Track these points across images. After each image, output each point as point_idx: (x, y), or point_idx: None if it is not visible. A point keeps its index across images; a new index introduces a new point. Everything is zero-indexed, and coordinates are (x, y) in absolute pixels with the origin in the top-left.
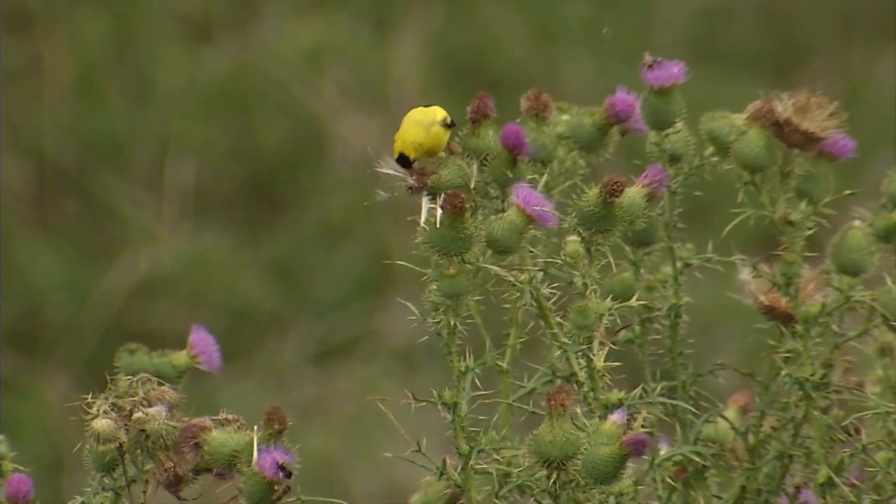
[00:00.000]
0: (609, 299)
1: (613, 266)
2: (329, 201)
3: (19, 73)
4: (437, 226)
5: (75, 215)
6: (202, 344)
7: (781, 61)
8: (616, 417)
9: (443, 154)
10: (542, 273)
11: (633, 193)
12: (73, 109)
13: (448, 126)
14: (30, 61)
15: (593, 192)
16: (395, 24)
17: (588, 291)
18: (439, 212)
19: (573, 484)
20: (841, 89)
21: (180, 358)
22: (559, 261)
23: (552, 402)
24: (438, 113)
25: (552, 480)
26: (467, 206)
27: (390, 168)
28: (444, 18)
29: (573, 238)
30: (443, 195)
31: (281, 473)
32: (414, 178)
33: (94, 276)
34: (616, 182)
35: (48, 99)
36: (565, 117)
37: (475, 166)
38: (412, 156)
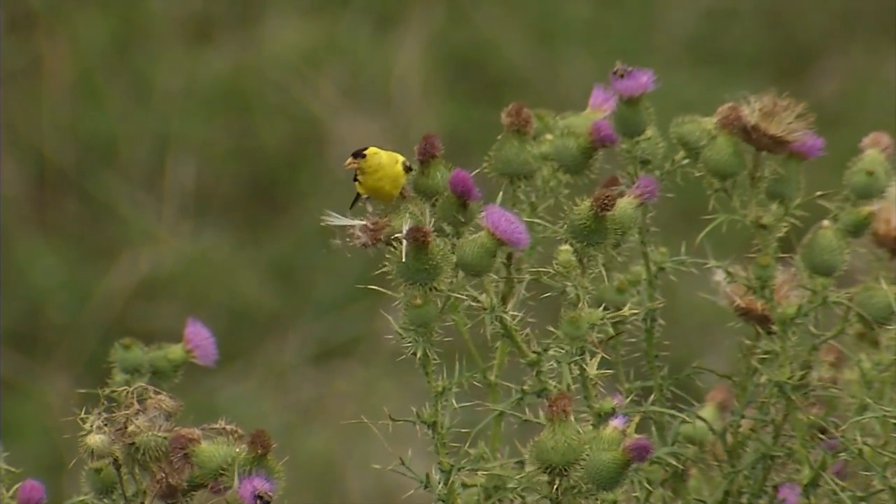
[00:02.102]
0: (601, 308)
1: (605, 278)
2: (329, 202)
3: (20, 73)
4: (403, 258)
5: (75, 216)
6: (197, 337)
7: (784, 62)
8: (617, 423)
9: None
10: (515, 288)
11: (625, 205)
12: (73, 110)
13: (407, 170)
14: (30, 61)
15: (585, 206)
16: (397, 25)
17: (581, 302)
18: (404, 244)
19: (575, 490)
20: (843, 89)
21: (176, 351)
22: (551, 270)
23: (554, 409)
24: (399, 157)
25: (554, 487)
26: (430, 239)
27: (340, 220)
28: (445, 19)
29: (565, 248)
30: (406, 229)
31: (259, 502)
32: (367, 233)
33: (95, 276)
34: (608, 196)
35: (48, 99)
36: (549, 136)
37: (427, 211)
38: (369, 151)
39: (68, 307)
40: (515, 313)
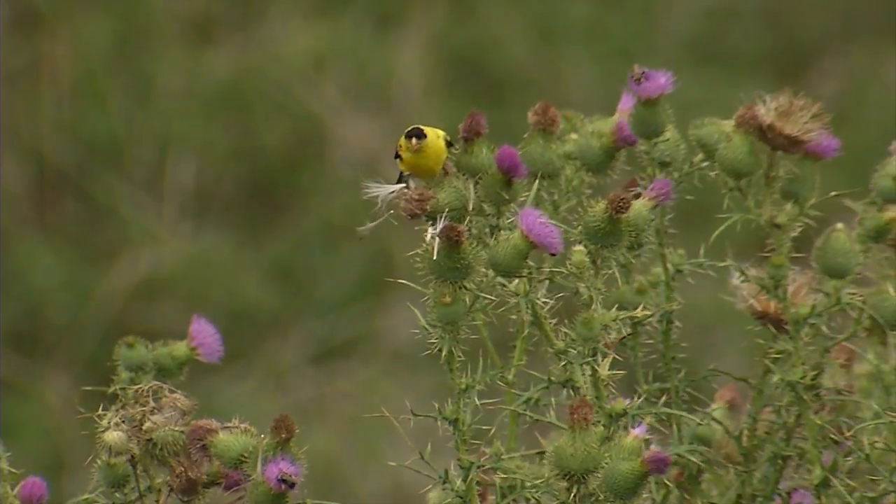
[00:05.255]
0: (615, 309)
1: (619, 280)
2: (330, 202)
3: (21, 73)
4: (434, 256)
5: (75, 216)
6: (202, 335)
7: (784, 62)
8: (638, 432)
9: (440, 174)
10: (539, 283)
11: (640, 206)
12: (73, 110)
13: (448, 144)
14: (31, 61)
15: (599, 208)
16: (398, 25)
17: (594, 303)
18: (437, 242)
19: (593, 498)
20: (843, 89)
21: (180, 349)
22: (565, 270)
23: (575, 416)
24: (440, 131)
25: (572, 494)
26: (464, 238)
27: (382, 189)
28: (446, 19)
29: (579, 248)
30: (440, 227)
31: (283, 485)
32: (413, 204)
33: (95, 276)
34: (623, 199)
35: (49, 99)
36: (574, 136)
37: (471, 187)
38: (426, 134)
39: (68, 307)
40: (546, 300)
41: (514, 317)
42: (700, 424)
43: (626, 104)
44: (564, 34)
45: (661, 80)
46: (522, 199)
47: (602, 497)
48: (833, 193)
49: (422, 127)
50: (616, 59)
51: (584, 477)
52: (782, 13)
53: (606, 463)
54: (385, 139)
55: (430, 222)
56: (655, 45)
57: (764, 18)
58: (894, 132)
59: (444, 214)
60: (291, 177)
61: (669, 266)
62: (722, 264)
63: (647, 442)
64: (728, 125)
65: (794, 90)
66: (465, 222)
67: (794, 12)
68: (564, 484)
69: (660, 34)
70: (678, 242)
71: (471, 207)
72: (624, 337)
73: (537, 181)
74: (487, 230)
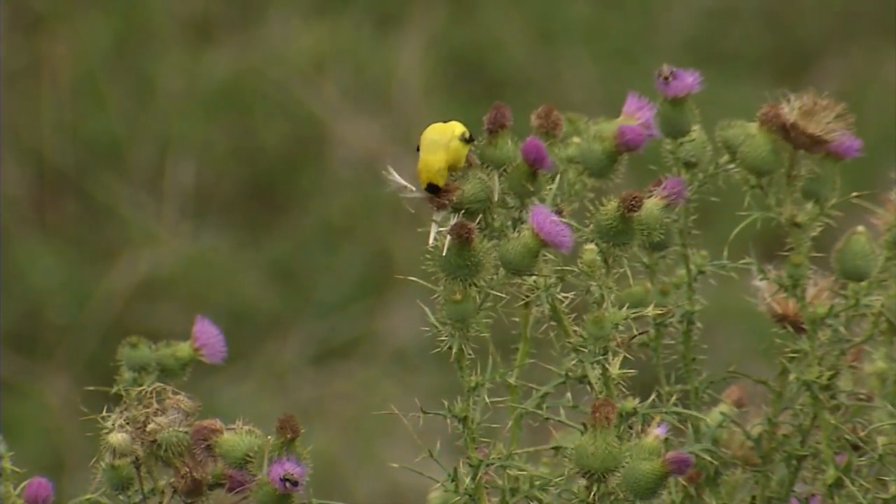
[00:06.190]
0: (625, 308)
1: (631, 278)
2: (330, 202)
3: (20, 73)
4: (444, 253)
5: (75, 216)
6: (205, 335)
7: (784, 63)
8: (659, 432)
9: (463, 166)
10: (557, 278)
11: (652, 205)
12: (73, 110)
13: (467, 141)
14: (31, 62)
15: (612, 206)
16: (398, 26)
17: (605, 302)
18: (447, 238)
19: (612, 497)
20: (845, 90)
21: (183, 349)
22: (576, 269)
23: (597, 415)
24: (457, 128)
25: (592, 493)
26: (474, 236)
27: (404, 182)
28: (446, 19)
29: (591, 247)
30: (451, 224)
31: (287, 485)
32: (438, 195)
33: (95, 277)
34: (635, 198)
35: (49, 100)
36: (576, 140)
37: (496, 178)
38: (441, 183)
39: (68, 308)
40: (567, 295)
41: (516, 319)
42: (720, 426)
43: (631, 106)
44: (564, 34)
45: (689, 80)
46: (546, 192)
47: (622, 496)
48: (854, 194)
49: (435, 183)
50: (616, 59)
51: (604, 476)
52: (782, 13)
53: (627, 462)
54: (385, 139)
55: (436, 214)
56: (655, 45)
57: (764, 18)
58: (894, 132)
59: (452, 215)
60: (291, 177)
61: (692, 267)
62: (741, 263)
63: (667, 442)
64: (754, 128)
65: (793, 91)
66: (490, 214)
67: (794, 12)
68: (584, 482)
69: (660, 34)
70: (695, 242)
71: (496, 199)
72: (635, 336)
73: (559, 176)
74: (510, 223)
